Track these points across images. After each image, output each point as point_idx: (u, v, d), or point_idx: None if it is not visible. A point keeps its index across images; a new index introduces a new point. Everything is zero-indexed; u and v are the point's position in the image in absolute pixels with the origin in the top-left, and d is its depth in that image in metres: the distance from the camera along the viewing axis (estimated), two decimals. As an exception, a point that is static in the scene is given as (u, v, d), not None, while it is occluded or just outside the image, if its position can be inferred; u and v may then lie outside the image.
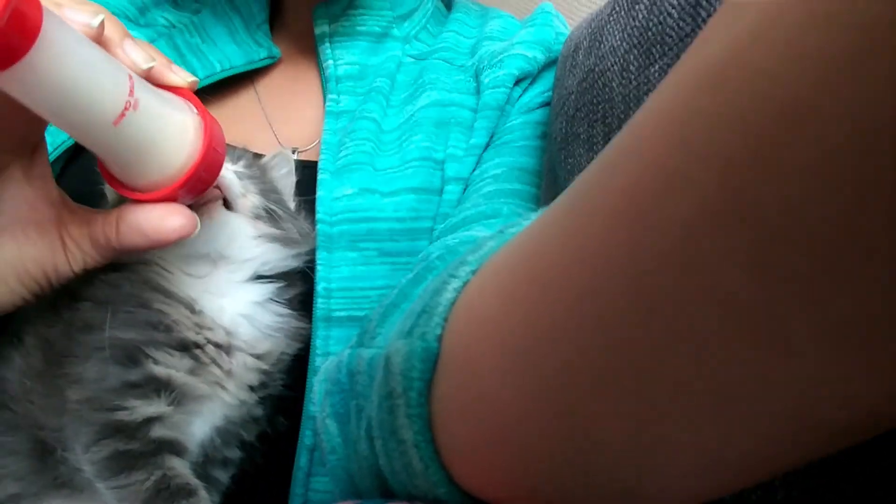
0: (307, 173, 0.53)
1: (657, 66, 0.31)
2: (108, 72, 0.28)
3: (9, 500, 0.38)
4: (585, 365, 0.18)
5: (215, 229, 0.41)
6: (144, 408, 0.37)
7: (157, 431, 0.36)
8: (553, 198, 0.44)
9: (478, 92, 0.57)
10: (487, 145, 0.55)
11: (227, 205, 0.41)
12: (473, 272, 0.27)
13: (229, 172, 0.42)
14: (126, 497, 0.35)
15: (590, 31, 0.38)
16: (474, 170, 0.54)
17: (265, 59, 0.59)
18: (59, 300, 0.39)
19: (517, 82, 0.56)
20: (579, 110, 0.37)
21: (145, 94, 0.29)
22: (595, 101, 0.35)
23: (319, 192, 0.50)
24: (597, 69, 0.36)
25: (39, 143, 0.35)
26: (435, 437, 0.25)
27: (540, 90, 0.56)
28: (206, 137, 0.32)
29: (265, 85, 0.61)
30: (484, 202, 0.49)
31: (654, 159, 0.15)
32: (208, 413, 0.41)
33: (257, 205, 0.44)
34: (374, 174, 0.52)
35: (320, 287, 0.48)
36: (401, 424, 0.27)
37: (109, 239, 0.34)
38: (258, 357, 0.43)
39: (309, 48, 0.61)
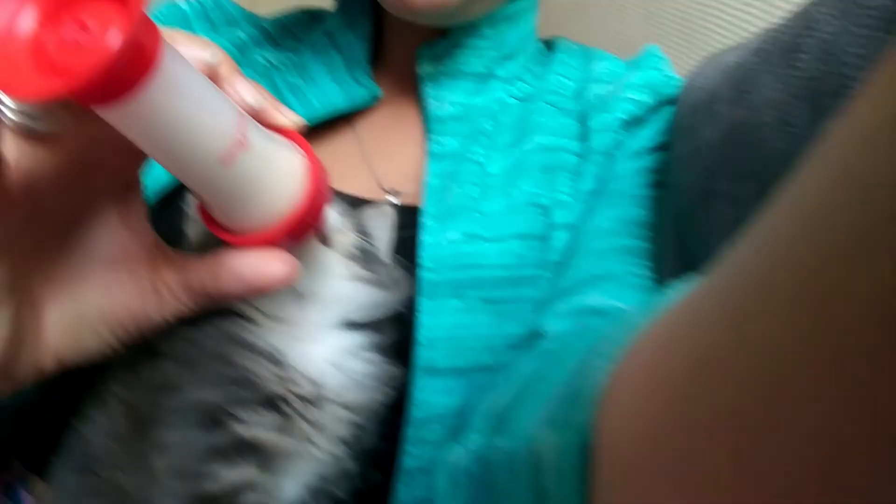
0: (406, 217, 0.52)
1: (829, 121, 0.27)
2: (219, 109, 0.27)
3: None
4: (741, 467, 0.15)
5: (308, 264, 0.38)
6: (231, 474, 0.34)
7: (247, 499, 0.34)
8: (678, 256, 0.41)
9: (584, 137, 0.55)
10: (596, 191, 0.53)
11: (323, 239, 0.39)
12: (622, 353, 0.24)
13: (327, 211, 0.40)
14: None
15: (731, 80, 0.34)
16: (583, 218, 0.52)
17: (367, 99, 0.58)
18: (139, 357, 0.37)
19: (625, 127, 0.53)
20: (721, 165, 0.33)
21: (255, 133, 0.28)
22: (744, 156, 0.31)
23: (423, 238, 0.49)
24: (747, 123, 0.32)
25: (136, 182, 0.34)
26: None
27: (649, 135, 0.53)
28: (312, 180, 0.30)
29: (365, 125, 0.60)
30: (596, 261, 0.47)
31: (852, 230, 0.12)
32: (299, 472, 0.38)
33: (353, 244, 0.42)
34: (479, 219, 0.50)
35: (421, 336, 0.46)
36: None
37: (206, 286, 0.32)
38: (349, 408, 0.40)
39: (411, 88, 0.59)
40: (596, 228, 0.50)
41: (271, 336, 0.38)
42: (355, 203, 0.49)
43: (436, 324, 0.46)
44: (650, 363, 0.21)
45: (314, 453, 0.38)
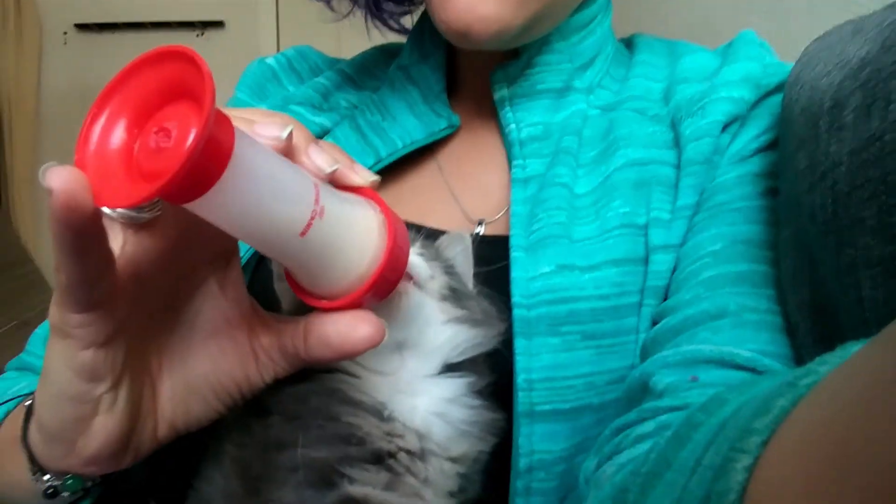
0: (494, 249, 0.50)
1: None
2: (294, 184, 0.27)
3: None
4: None
5: (409, 314, 0.38)
6: None
7: None
8: (809, 279, 0.36)
9: (677, 144, 0.51)
10: (698, 207, 0.48)
11: (414, 287, 0.39)
12: (764, 443, 0.21)
13: (414, 256, 0.40)
14: None
15: (862, 86, 0.30)
16: (685, 238, 0.48)
17: (445, 129, 0.57)
18: (250, 415, 0.38)
19: (724, 129, 0.49)
20: (859, 189, 0.29)
21: (330, 200, 0.29)
22: (889, 179, 0.27)
23: (514, 273, 0.47)
24: (887, 137, 0.28)
25: (233, 252, 0.35)
26: None
27: (754, 133, 0.48)
28: (390, 237, 0.31)
29: (446, 155, 0.59)
30: (705, 293, 0.43)
31: None
32: None
33: (443, 285, 0.41)
34: (570, 247, 0.48)
35: (520, 379, 0.44)
36: None
37: (298, 351, 0.33)
38: (454, 460, 0.39)
39: (489, 113, 0.58)
40: (702, 251, 0.46)
41: (375, 390, 0.38)
42: (434, 234, 0.48)
43: (534, 365, 0.44)
44: (803, 458, 0.19)
45: None
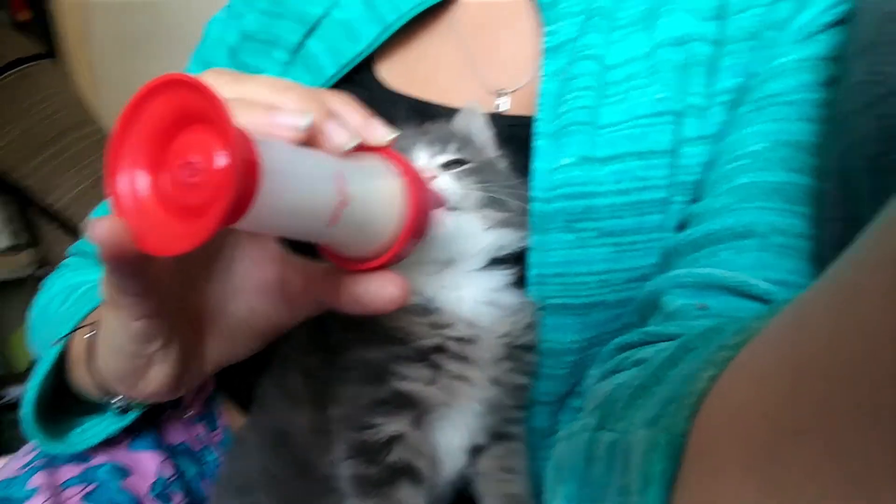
0: (514, 131, 0.47)
1: None
2: (318, 179, 0.27)
3: None
4: (833, 469, 0.15)
5: (449, 237, 0.40)
6: (389, 427, 0.39)
7: (397, 454, 0.38)
8: (842, 224, 0.34)
9: (720, 15, 0.44)
10: (741, 92, 0.43)
11: (449, 211, 0.41)
12: (731, 360, 0.23)
13: (445, 182, 0.41)
14: None
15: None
16: (725, 129, 0.43)
17: None
18: (313, 325, 0.42)
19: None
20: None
21: (352, 181, 0.28)
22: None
23: (536, 164, 0.44)
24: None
25: None
26: None
27: (825, 5, 0.41)
28: (412, 199, 0.31)
29: (464, 18, 0.54)
30: (735, 204, 0.39)
31: None
32: (447, 426, 0.42)
33: (480, 198, 0.42)
34: (594, 135, 0.44)
35: (533, 273, 0.44)
36: None
37: (329, 301, 0.35)
38: (503, 340, 0.42)
39: None
40: (740, 150, 0.41)
41: (421, 286, 0.41)
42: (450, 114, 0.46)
43: (546, 260, 0.44)
44: (754, 359, 0.21)
45: (464, 402, 0.42)
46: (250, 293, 0.36)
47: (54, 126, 1.55)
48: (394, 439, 0.39)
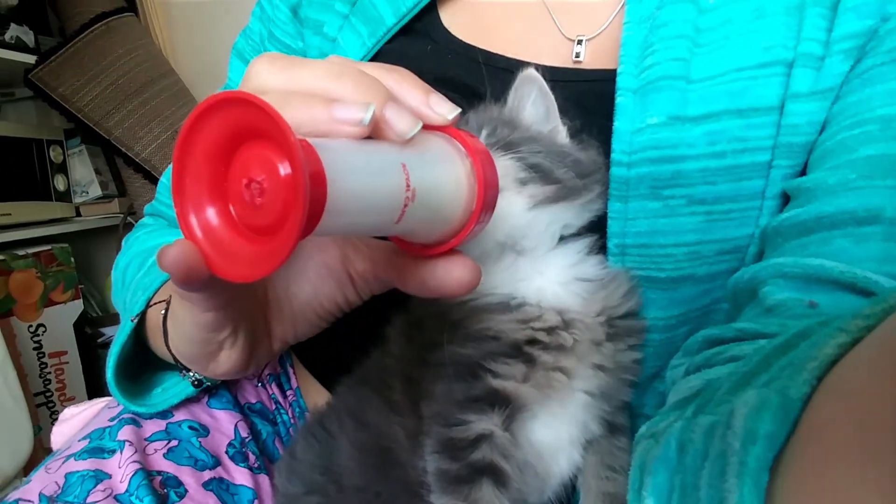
0: (593, 87, 0.44)
1: None
2: (384, 176, 0.26)
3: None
4: None
5: (497, 219, 0.37)
6: (478, 424, 0.38)
7: (482, 453, 0.37)
8: None
9: None
10: (868, 38, 0.37)
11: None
12: (869, 328, 0.20)
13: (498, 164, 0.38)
14: None
15: None
16: (845, 87, 0.37)
17: None
18: (408, 324, 0.42)
19: None
20: None
21: (417, 171, 0.27)
22: None
23: (617, 124, 0.40)
24: None
25: None
26: None
27: None
28: (479, 181, 0.29)
29: None
30: (857, 181, 0.34)
31: None
32: (537, 425, 0.40)
33: (520, 171, 0.38)
34: (686, 90, 0.39)
35: (612, 244, 0.41)
36: (728, 489, 0.22)
37: (394, 282, 0.34)
38: (598, 314, 0.40)
39: None
40: (866, 113, 0.35)
41: (499, 284, 0.40)
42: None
43: (628, 230, 0.41)
44: (882, 337, 0.18)
45: (567, 395, 0.40)
46: (313, 276, 0.36)
47: (138, 78, 1.60)
48: (481, 438, 0.38)
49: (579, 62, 0.47)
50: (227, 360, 0.36)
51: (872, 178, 0.34)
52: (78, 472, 0.43)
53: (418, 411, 0.40)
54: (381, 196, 0.25)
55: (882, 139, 0.35)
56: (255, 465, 0.51)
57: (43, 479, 0.42)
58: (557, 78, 0.42)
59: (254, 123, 0.22)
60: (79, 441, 0.46)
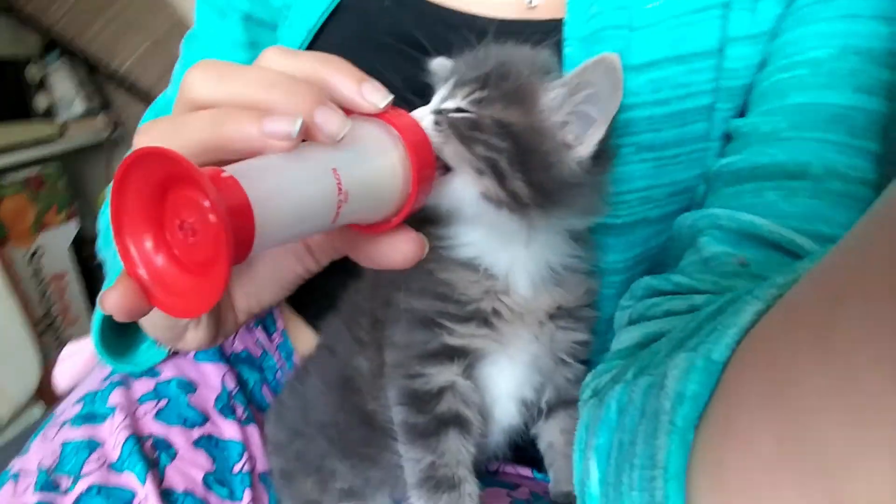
0: (550, 38, 0.43)
1: None
2: (315, 185, 0.27)
3: None
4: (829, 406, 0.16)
5: (444, 192, 0.37)
6: (440, 377, 0.40)
7: (447, 404, 0.39)
8: None
9: None
10: None
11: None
12: (779, 297, 0.23)
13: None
14: (405, 467, 0.39)
15: None
16: (781, 25, 0.38)
17: None
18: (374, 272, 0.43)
19: None
20: None
21: (350, 174, 0.28)
22: None
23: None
24: None
25: None
26: (693, 476, 0.23)
27: None
28: (413, 167, 0.31)
29: None
30: (787, 132, 0.35)
31: None
32: (500, 377, 0.42)
33: (472, 161, 0.37)
34: (629, 39, 0.40)
35: None
36: (658, 446, 0.25)
37: (348, 254, 0.35)
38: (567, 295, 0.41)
39: None
40: (799, 55, 0.36)
41: (465, 250, 0.40)
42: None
43: None
44: (787, 297, 0.21)
45: (514, 351, 0.41)
46: (272, 252, 0.38)
47: (108, -13, 1.52)
48: (444, 389, 0.40)
49: (533, 9, 0.46)
50: (194, 339, 0.38)
51: (801, 128, 0.36)
52: (73, 441, 0.45)
53: (382, 354, 0.42)
54: (314, 205, 0.27)
55: (811, 86, 0.36)
56: (243, 417, 0.53)
57: (41, 449, 0.45)
58: (511, 30, 0.42)
59: (176, 171, 0.24)
60: (73, 405, 0.49)
